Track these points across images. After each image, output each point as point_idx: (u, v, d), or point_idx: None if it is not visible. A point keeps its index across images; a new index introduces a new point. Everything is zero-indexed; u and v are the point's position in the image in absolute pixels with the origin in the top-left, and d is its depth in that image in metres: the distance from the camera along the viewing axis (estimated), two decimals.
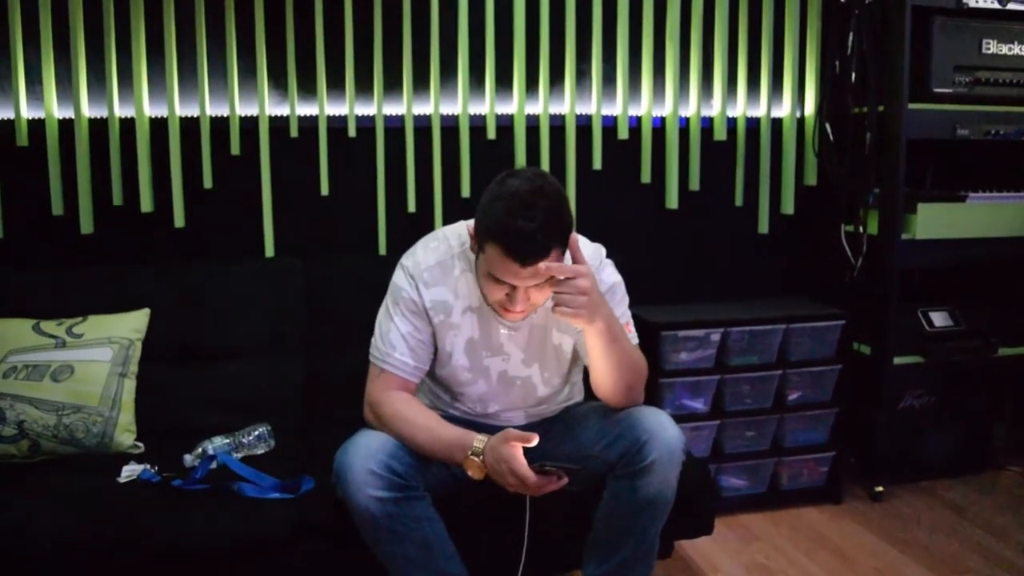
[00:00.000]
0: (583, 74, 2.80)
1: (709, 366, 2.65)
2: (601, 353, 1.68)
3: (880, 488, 2.79)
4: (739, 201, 2.99)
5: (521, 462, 1.54)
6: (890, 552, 2.43)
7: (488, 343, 1.82)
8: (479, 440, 1.61)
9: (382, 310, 1.82)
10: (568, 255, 1.67)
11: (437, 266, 1.79)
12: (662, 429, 1.64)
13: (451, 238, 1.81)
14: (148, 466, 1.93)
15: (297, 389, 2.35)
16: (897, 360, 2.74)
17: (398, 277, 1.80)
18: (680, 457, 1.65)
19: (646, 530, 1.68)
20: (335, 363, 2.35)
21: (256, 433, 2.10)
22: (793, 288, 3.09)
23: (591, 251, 1.84)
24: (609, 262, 1.87)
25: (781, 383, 2.70)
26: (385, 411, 1.71)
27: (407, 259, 1.82)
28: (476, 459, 1.60)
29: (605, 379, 1.72)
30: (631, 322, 1.84)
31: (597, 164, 2.83)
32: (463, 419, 1.87)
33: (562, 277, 1.58)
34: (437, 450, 1.66)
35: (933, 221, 2.68)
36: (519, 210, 1.54)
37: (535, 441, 1.56)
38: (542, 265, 1.58)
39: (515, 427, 1.76)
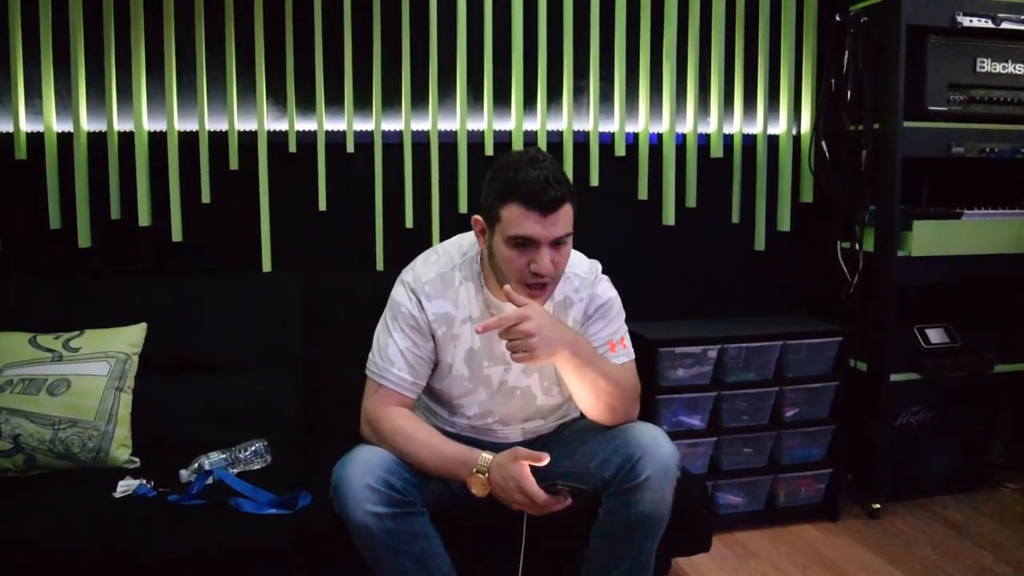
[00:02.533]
0: (581, 91, 2.81)
1: (706, 383, 2.64)
2: (574, 379, 1.69)
3: (877, 505, 2.78)
4: (736, 218, 3.00)
5: (531, 481, 1.55)
6: (887, 570, 2.42)
7: (490, 352, 1.82)
8: (484, 457, 1.61)
9: (380, 325, 1.81)
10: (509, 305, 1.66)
11: (438, 278, 1.79)
12: (656, 446, 1.64)
13: (451, 250, 1.82)
14: (144, 481, 1.93)
15: (294, 404, 2.35)
16: (894, 377, 2.74)
17: (398, 293, 1.80)
18: (675, 473, 1.65)
19: (642, 547, 1.67)
20: (332, 378, 2.35)
21: (253, 448, 2.09)
22: (790, 305, 3.09)
23: (587, 267, 1.85)
24: (605, 278, 1.87)
25: (778, 400, 2.70)
26: (384, 426, 1.70)
27: (407, 274, 1.82)
28: (481, 476, 1.60)
29: (584, 403, 1.74)
30: (626, 337, 1.84)
31: (595, 181, 2.84)
32: (459, 436, 1.85)
33: (501, 329, 1.59)
34: (439, 466, 1.66)
35: (929, 238, 2.68)
36: (528, 166, 1.59)
37: (546, 460, 1.57)
38: (479, 326, 1.60)
39: (516, 444, 1.77)
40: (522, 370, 1.84)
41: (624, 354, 1.80)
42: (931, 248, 2.69)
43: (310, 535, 1.76)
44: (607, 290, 1.85)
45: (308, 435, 2.32)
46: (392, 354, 1.76)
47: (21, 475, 2.00)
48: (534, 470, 1.59)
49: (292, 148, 2.61)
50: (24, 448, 1.98)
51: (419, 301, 1.77)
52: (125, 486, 1.90)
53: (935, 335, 2.81)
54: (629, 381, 1.76)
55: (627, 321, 1.87)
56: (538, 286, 1.65)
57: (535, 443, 1.89)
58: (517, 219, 1.59)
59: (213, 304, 2.36)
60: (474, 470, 1.61)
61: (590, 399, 1.71)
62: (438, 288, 1.78)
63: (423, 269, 1.80)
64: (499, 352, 1.80)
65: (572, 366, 1.65)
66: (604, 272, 1.89)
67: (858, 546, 2.57)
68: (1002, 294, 2.98)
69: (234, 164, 2.59)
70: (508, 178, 1.59)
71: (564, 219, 1.61)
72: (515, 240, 1.61)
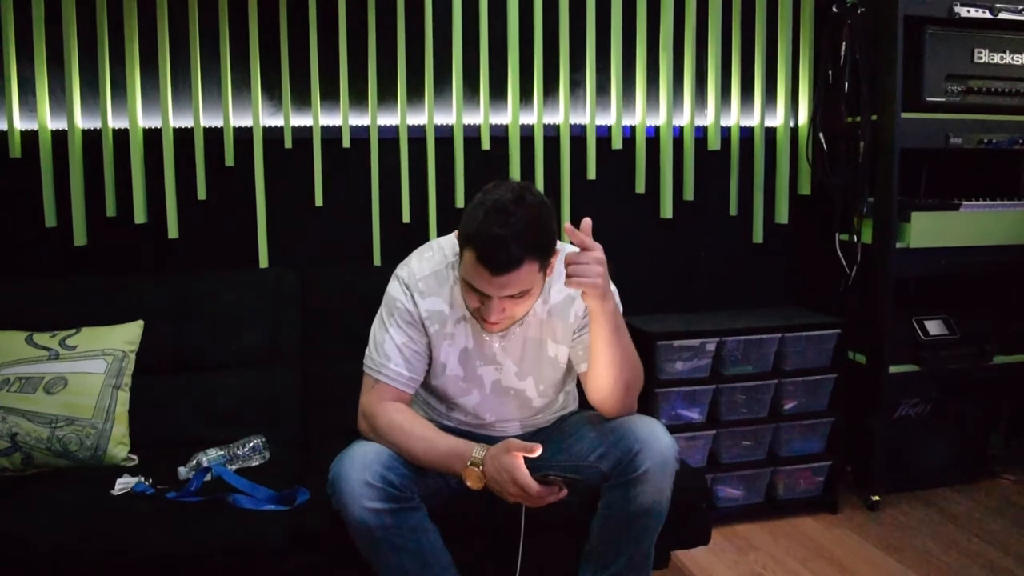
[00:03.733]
0: (577, 84, 2.81)
1: (705, 376, 2.64)
2: (607, 341, 1.67)
3: (877, 497, 2.78)
4: (734, 211, 3.00)
5: (524, 472, 1.54)
6: (887, 561, 2.42)
7: (481, 353, 1.82)
8: (478, 450, 1.61)
9: (377, 320, 1.82)
10: (560, 265, 1.67)
11: (432, 276, 1.79)
12: (655, 438, 1.64)
13: (445, 248, 1.81)
14: (142, 478, 1.93)
15: (292, 400, 2.35)
16: (892, 369, 2.74)
17: (393, 288, 1.80)
18: (673, 466, 1.65)
19: (640, 540, 1.67)
20: (330, 374, 2.36)
21: (251, 445, 2.10)
22: (788, 297, 3.09)
23: None
24: None
25: (777, 392, 2.70)
26: (381, 422, 1.70)
27: (402, 269, 1.82)
28: (476, 469, 1.60)
29: (607, 374, 1.70)
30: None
31: (592, 174, 2.84)
32: (458, 430, 1.85)
33: (579, 247, 1.60)
34: (434, 460, 1.65)
35: (927, 230, 2.68)
36: (496, 217, 1.55)
37: (538, 451, 1.56)
38: (568, 226, 1.59)
39: (512, 437, 1.75)
40: (515, 373, 1.84)
41: None
42: (929, 240, 2.69)
43: (309, 531, 1.76)
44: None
45: (306, 431, 2.32)
46: (388, 349, 1.76)
47: (19, 474, 2.00)
48: (530, 462, 1.58)
49: (288, 144, 2.60)
50: (22, 447, 1.98)
51: (413, 297, 1.77)
52: (123, 484, 1.90)
53: (934, 327, 2.81)
54: (640, 365, 1.76)
55: (625, 315, 1.83)
56: (491, 323, 1.68)
57: (534, 436, 1.89)
58: (470, 268, 1.60)
59: (210, 301, 2.36)
60: (468, 463, 1.60)
61: (615, 370, 1.70)
62: (432, 285, 1.78)
63: (418, 265, 1.81)
64: (490, 352, 1.81)
65: (612, 325, 1.65)
66: None
67: (857, 538, 2.58)
68: (1001, 285, 2.99)
69: (230, 160, 2.58)
70: (475, 220, 1.58)
71: (518, 281, 1.59)
72: (467, 284, 1.63)
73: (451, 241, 1.84)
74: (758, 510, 2.73)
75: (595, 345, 1.69)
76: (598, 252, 1.59)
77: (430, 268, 1.80)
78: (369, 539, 1.60)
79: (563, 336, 1.83)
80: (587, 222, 1.61)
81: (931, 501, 2.83)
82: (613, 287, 1.82)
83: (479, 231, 1.56)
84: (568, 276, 1.58)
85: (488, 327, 1.70)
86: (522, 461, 1.55)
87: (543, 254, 1.61)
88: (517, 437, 1.79)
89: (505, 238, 1.53)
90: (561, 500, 1.59)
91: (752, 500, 2.72)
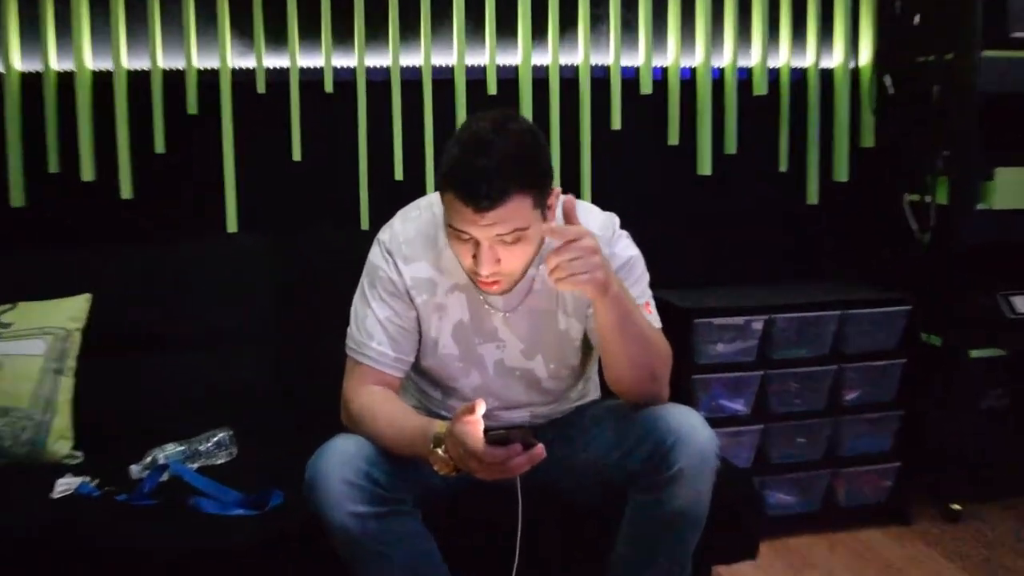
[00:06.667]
0: (599, 19, 2.79)
1: (750, 360, 2.63)
2: (615, 329, 1.65)
3: (956, 506, 2.76)
4: (783, 166, 2.96)
5: (476, 438, 1.49)
6: None
7: (480, 328, 1.82)
8: (441, 426, 1.58)
9: (358, 294, 1.83)
10: (559, 216, 1.65)
11: (418, 237, 1.79)
12: (692, 431, 1.62)
13: (435, 205, 1.79)
14: (87, 479, 1.92)
15: (265, 387, 2.35)
16: (974, 353, 2.71)
17: (373, 254, 1.82)
18: (714, 464, 1.63)
19: (674, 551, 1.65)
20: (308, 357, 2.36)
21: (216, 439, 2.10)
22: (848, 268, 3.06)
23: (602, 220, 1.82)
24: (624, 233, 1.85)
25: (836, 380, 2.67)
26: (353, 408, 1.72)
27: (383, 233, 1.83)
28: (440, 452, 1.56)
29: (622, 363, 1.70)
30: (652, 302, 1.82)
31: (616, 123, 2.82)
32: None
33: (560, 241, 1.55)
34: (404, 446, 1.64)
35: (1014, 188, 2.66)
36: (474, 148, 1.56)
37: (481, 407, 1.51)
38: (545, 227, 1.59)
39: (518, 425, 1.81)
40: (521, 351, 1.83)
41: (653, 319, 1.77)
42: (1016, 199, 2.67)
43: (283, 539, 1.75)
44: (627, 247, 1.82)
45: (280, 423, 2.30)
46: (371, 326, 1.77)
47: None
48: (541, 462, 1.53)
49: (260, 88, 2.59)
50: None
51: (395, 263, 1.78)
52: (65, 485, 1.89)
53: (1022, 303, 2.75)
54: (665, 347, 1.73)
55: (655, 288, 1.86)
56: (488, 281, 1.67)
57: (547, 429, 1.88)
58: (452, 209, 1.60)
59: (168, 272, 2.37)
60: (431, 445, 1.57)
61: (628, 359, 1.68)
62: (418, 249, 1.79)
63: (401, 227, 1.81)
64: (491, 327, 1.81)
65: (620, 311, 1.62)
66: (623, 228, 1.86)
67: (933, 554, 2.56)
68: None
69: (192, 108, 2.57)
70: (452, 157, 1.59)
71: (507, 216, 1.57)
72: (454, 231, 1.62)
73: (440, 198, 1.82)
74: (814, 519, 2.71)
75: (602, 335, 1.68)
76: (587, 239, 1.55)
77: (415, 229, 1.80)
78: (352, 547, 1.58)
79: (575, 308, 1.82)
80: (570, 200, 1.61)
81: (1021, 510, 2.81)
82: (636, 254, 1.81)
83: (456, 166, 1.57)
84: (556, 277, 1.55)
85: (485, 286, 1.69)
86: (475, 426, 1.50)
87: (534, 187, 1.60)
88: (527, 428, 1.77)
89: (485, 168, 1.54)
90: (536, 461, 1.52)
91: (807, 508, 2.71)
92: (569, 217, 1.61)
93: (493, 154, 1.55)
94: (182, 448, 2.04)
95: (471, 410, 1.51)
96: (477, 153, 1.55)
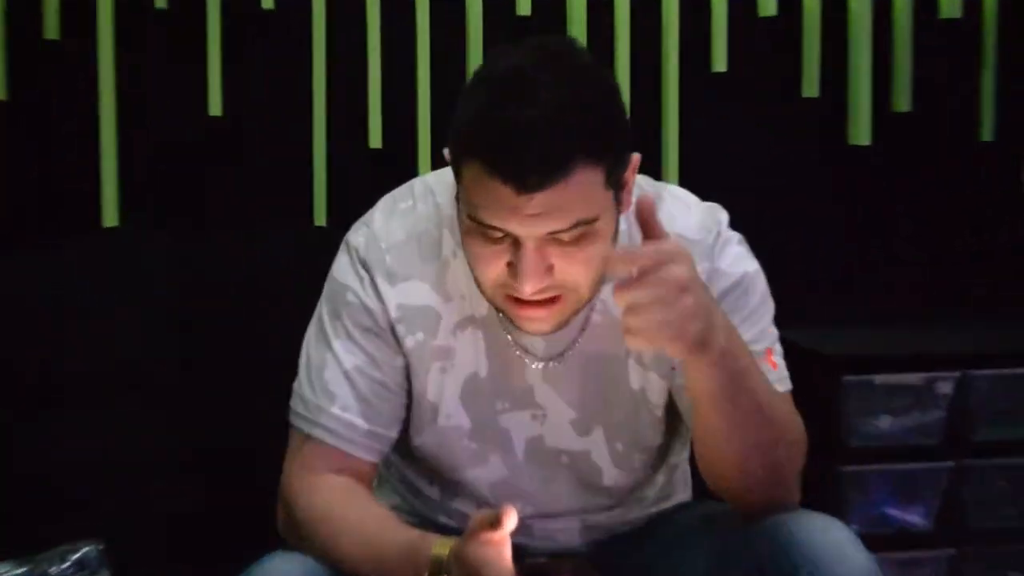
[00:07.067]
0: None
1: (934, 442, 2.27)
2: (719, 400, 1.36)
3: None
4: (987, 134, 2.47)
5: (503, 568, 1.25)
6: None
7: (506, 386, 1.52)
8: (440, 546, 1.33)
9: (312, 329, 1.52)
10: (630, 218, 1.38)
11: (410, 242, 1.52)
12: (838, 555, 1.32)
13: (437, 191, 1.55)
14: None
15: (160, 467, 2.26)
16: None
17: (340, 268, 1.52)
18: None
19: None
20: (224, 424, 2.23)
21: (76, 556, 1.85)
22: None
23: (699, 218, 1.52)
24: (735, 237, 1.52)
25: None
26: (299, 510, 1.44)
27: (355, 234, 1.54)
28: None
29: (729, 449, 1.41)
30: (777, 349, 1.50)
31: (720, 65, 2.39)
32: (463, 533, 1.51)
33: (634, 268, 1.22)
34: (375, 569, 1.40)
35: None
36: (514, 91, 1.26)
37: (513, 518, 1.23)
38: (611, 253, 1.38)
39: (568, 550, 1.56)
40: (571, 421, 1.52)
41: (777, 378, 1.45)
42: None
43: None
44: (739, 260, 1.49)
45: (184, 531, 2.24)
46: (331, 380, 1.48)
47: None
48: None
49: (161, 3, 2.24)
50: None
51: (374, 283, 1.48)
52: None
53: None
54: (797, 424, 1.44)
55: (780, 327, 1.52)
56: (534, 303, 1.36)
57: (608, 547, 1.58)
58: (479, 190, 1.29)
59: (20, 287, 2.22)
60: (426, 573, 1.34)
61: (739, 443, 1.41)
62: (410, 261, 1.52)
63: (383, 225, 1.54)
64: (521, 386, 1.54)
65: (724, 378, 1.34)
66: (733, 228, 1.53)
67: None
68: None
69: (52, 32, 2.22)
70: (476, 108, 1.30)
71: (567, 201, 1.27)
72: (477, 226, 1.33)
73: (446, 179, 1.50)
74: None
75: (698, 409, 1.41)
76: (676, 267, 1.23)
77: (406, 229, 1.52)
78: None
79: (656, 355, 1.52)
80: (647, 199, 1.30)
81: None
82: (753, 270, 1.50)
83: (483, 121, 1.27)
84: (627, 329, 1.24)
85: (525, 316, 1.37)
86: (502, 550, 1.25)
87: (608, 154, 1.28)
88: (579, 549, 1.59)
89: (532, 122, 1.23)
90: None
91: None
92: (648, 225, 1.28)
93: (544, 102, 1.27)
94: (23, 571, 1.81)
95: (495, 522, 1.24)
96: (518, 100, 1.27)
